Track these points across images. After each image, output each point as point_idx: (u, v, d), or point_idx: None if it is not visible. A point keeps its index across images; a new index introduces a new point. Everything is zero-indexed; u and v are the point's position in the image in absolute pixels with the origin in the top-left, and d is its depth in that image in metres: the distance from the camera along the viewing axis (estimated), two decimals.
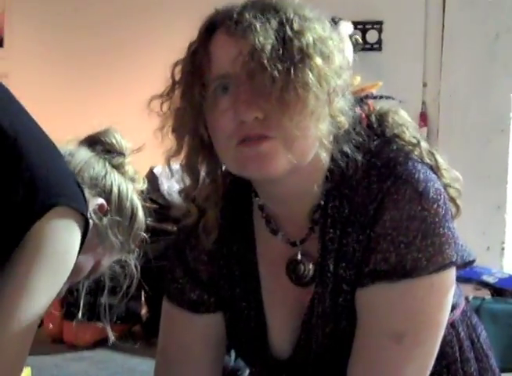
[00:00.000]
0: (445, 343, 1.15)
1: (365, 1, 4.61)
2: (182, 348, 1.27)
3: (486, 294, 3.36)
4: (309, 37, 1.03)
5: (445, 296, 1.09)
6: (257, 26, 1.02)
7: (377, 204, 1.06)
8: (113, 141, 1.47)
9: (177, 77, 1.12)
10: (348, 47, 4.22)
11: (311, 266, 1.15)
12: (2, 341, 1.10)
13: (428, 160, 1.14)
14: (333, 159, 1.10)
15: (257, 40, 1.01)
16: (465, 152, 4.40)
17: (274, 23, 1.03)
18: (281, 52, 1.01)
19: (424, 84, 4.60)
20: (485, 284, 3.45)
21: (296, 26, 1.04)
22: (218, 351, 1.27)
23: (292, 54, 1.02)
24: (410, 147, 1.13)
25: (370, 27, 4.57)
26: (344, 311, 1.11)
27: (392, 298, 1.07)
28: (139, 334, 3.68)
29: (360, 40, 4.40)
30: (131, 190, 1.44)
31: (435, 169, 1.14)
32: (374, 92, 1.15)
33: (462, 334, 1.23)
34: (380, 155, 1.10)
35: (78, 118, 5.23)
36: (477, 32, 4.41)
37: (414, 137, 1.16)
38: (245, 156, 1.05)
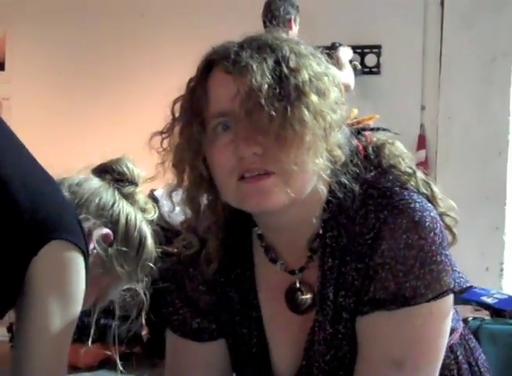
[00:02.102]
0: (443, 367, 1.16)
1: (364, 26, 4.65)
2: (186, 374, 1.29)
3: (485, 315, 3.35)
4: (305, 75, 1.06)
5: (444, 322, 1.11)
6: (254, 66, 1.04)
7: (375, 233, 1.09)
8: (125, 170, 1.46)
9: (177, 114, 1.14)
10: (349, 72, 4.26)
11: (309, 295, 1.17)
12: None
13: (424, 190, 1.16)
14: (331, 190, 1.13)
15: (254, 80, 1.03)
16: (463, 174, 4.43)
17: (270, 62, 1.05)
18: (278, 90, 1.04)
19: (423, 107, 4.64)
20: (484, 305, 3.45)
21: (292, 64, 1.06)
22: None
23: (288, 92, 1.04)
24: (406, 177, 1.16)
25: (369, 51, 4.62)
26: (345, 338, 1.13)
27: (392, 326, 1.09)
28: (141, 356, 3.67)
29: (359, 66, 4.45)
30: (140, 220, 1.42)
31: (431, 198, 1.16)
32: (371, 123, 1.17)
33: (460, 357, 1.24)
34: (377, 185, 1.13)
35: (78, 142, 5.27)
36: (475, 56, 4.45)
37: (410, 167, 1.18)
38: (245, 192, 1.08)
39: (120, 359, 1.59)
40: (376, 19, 4.63)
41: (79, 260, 1.16)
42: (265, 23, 4.14)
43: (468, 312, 3.26)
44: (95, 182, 1.42)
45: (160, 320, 1.41)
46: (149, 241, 1.43)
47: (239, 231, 1.23)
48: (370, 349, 1.10)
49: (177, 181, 1.15)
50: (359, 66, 4.45)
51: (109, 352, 1.60)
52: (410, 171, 1.17)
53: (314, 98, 1.05)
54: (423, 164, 4.37)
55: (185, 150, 1.12)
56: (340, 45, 4.43)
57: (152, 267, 1.44)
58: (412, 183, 1.15)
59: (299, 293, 1.17)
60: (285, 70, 1.05)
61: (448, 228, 1.16)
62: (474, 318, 3.23)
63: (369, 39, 4.62)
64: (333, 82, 1.10)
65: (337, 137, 1.10)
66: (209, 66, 1.11)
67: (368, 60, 4.56)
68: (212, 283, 1.24)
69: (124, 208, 1.41)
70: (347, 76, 4.19)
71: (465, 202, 4.36)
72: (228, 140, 1.08)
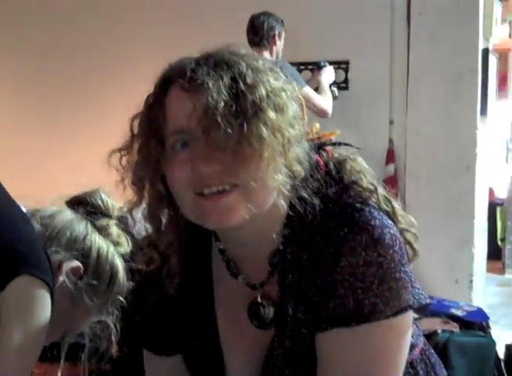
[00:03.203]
0: None
1: (332, 42, 4.69)
2: None
3: (454, 327, 3.38)
4: (262, 91, 1.06)
5: (403, 338, 1.12)
6: (210, 83, 1.04)
7: (335, 249, 1.09)
8: (99, 202, 1.46)
9: (135, 131, 1.14)
10: (328, 97, 4.29)
11: (271, 309, 1.17)
12: None
13: (385, 206, 1.17)
14: (291, 205, 1.13)
15: (210, 98, 1.03)
16: (432, 187, 4.47)
17: (226, 79, 1.05)
18: (234, 107, 1.04)
19: (391, 122, 4.67)
20: (454, 318, 3.48)
21: (249, 80, 1.06)
22: None
23: (245, 109, 1.04)
24: (367, 194, 1.16)
25: (337, 66, 4.64)
26: (304, 354, 1.13)
27: (351, 342, 1.09)
28: (109, 372, 3.63)
29: (336, 93, 4.48)
30: (112, 253, 1.42)
31: (392, 215, 1.17)
32: (333, 139, 1.18)
33: (420, 372, 1.25)
34: (338, 202, 1.13)
35: (49, 162, 5.23)
36: (442, 71, 4.50)
37: (371, 184, 1.18)
38: (204, 209, 1.08)
39: None
40: (344, 35, 4.67)
41: (45, 296, 1.18)
42: (249, 38, 4.17)
43: (438, 324, 3.28)
44: (68, 215, 1.42)
45: (130, 338, 1.40)
46: (121, 275, 1.42)
47: (200, 246, 1.23)
48: (330, 365, 1.10)
49: (137, 198, 1.14)
50: (337, 94, 4.49)
51: (78, 374, 1.59)
52: (371, 187, 1.17)
53: (271, 114, 1.05)
54: (392, 179, 4.40)
55: (143, 167, 1.12)
56: (325, 65, 4.47)
57: (122, 301, 1.43)
58: (374, 199, 1.16)
59: (261, 307, 1.17)
60: (242, 86, 1.05)
61: (409, 243, 1.17)
62: (444, 330, 3.25)
63: (337, 55, 4.65)
64: (291, 97, 1.11)
65: (296, 152, 1.10)
66: (166, 83, 1.11)
67: (336, 76, 4.59)
68: (171, 299, 1.24)
69: (96, 242, 1.40)
70: (325, 102, 4.21)
71: (434, 215, 4.42)
72: (186, 157, 1.08)
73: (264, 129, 1.04)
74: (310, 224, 1.12)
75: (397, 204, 1.19)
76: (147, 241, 1.21)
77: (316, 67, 4.53)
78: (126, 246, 1.44)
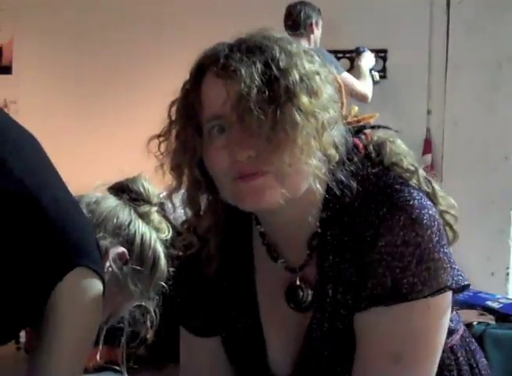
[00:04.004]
0: (443, 367, 1.17)
1: (370, 30, 4.66)
2: (194, 368, 1.33)
3: (490, 320, 3.35)
4: (295, 75, 1.06)
5: (441, 319, 1.12)
6: (243, 70, 1.04)
7: (374, 230, 1.09)
8: (141, 189, 1.48)
9: (173, 117, 1.15)
10: (368, 82, 4.27)
11: (309, 292, 1.18)
12: None
13: (426, 187, 1.17)
14: (328, 188, 1.13)
15: (242, 84, 1.03)
16: (469, 178, 4.43)
17: (259, 64, 1.05)
18: (267, 93, 1.04)
19: (429, 112, 4.64)
20: (490, 310, 3.44)
21: (282, 64, 1.06)
22: (227, 371, 1.31)
23: (278, 94, 1.04)
24: (408, 175, 1.16)
25: (375, 55, 4.61)
26: (342, 334, 1.14)
27: (389, 321, 1.10)
28: (145, 357, 3.68)
29: (377, 77, 4.45)
30: (155, 239, 1.45)
31: (432, 196, 1.16)
32: (372, 121, 1.16)
33: (460, 358, 1.25)
34: (378, 183, 1.13)
35: (85, 145, 5.29)
36: (480, 60, 4.46)
37: (412, 165, 1.18)
38: (241, 190, 1.09)
39: (126, 365, 1.61)
40: (383, 24, 4.64)
41: (100, 288, 1.22)
42: (286, 27, 4.17)
43: (473, 316, 3.25)
44: (112, 201, 1.45)
45: (166, 323, 1.42)
46: (162, 261, 1.45)
47: (240, 230, 1.24)
48: (368, 345, 1.11)
49: (176, 183, 1.16)
50: (377, 78, 4.46)
51: (115, 357, 1.62)
52: (412, 168, 1.17)
53: (305, 99, 1.05)
54: (429, 169, 4.37)
55: (181, 153, 1.13)
56: (364, 50, 4.45)
57: (164, 286, 1.46)
58: (414, 180, 1.16)
59: (300, 291, 1.18)
60: (275, 71, 1.05)
61: (449, 225, 1.17)
62: (479, 323, 3.22)
63: (375, 43, 4.62)
64: (325, 80, 1.11)
65: (332, 136, 1.11)
66: (201, 70, 1.12)
67: (374, 65, 4.56)
68: (212, 282, 1.25)
69: (139, 228, 1.43)
70: (364, 86, 4.19)
71: (471, 206, 4.38)
72: (223, 143, 1.09)
73: (297, 115, 1.04)
74: (349, 206, 1.13)
75: (437, 186, 1.19)
76: (186, 226, 1.22)
77: (356, 52, 4.51)
78: (166, 232, 1.47)
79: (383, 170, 1.16)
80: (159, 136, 1.15)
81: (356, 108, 1.13)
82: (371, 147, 1.19)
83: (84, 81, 5.47)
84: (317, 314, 1.16)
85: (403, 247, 1.07)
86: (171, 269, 1.44)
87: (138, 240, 1.41)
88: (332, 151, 1.10)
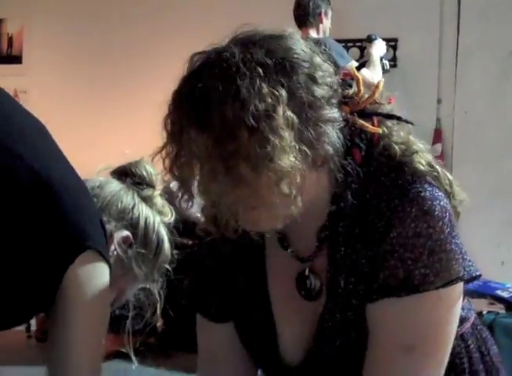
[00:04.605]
0: (454, 355, 1.17)
1: (381, 19, 4.64)
2: (210, 352, 1.33)
3: (500, 309, 3.35)
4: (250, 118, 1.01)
5: (453, 309, 1.12)
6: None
7: (385, 221, 1.09)
8: (144, 173, 1.49)
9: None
10: (378, 71, 4.25)
11: (317, 281, 1.19)
12: None
13: (442, 180, 1.16)
14: (337, 182, 1.13)
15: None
16: (480, 167, 4.42)
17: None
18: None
19: (439, 101, 4.62)
20: (499, 299, 3.45)
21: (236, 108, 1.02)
22: (244, 355, 1.31)
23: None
24: (422, 168, 1.16)
25: (386, 44, 4.60)
26: (354, 324, 1.14)
27: (401, 312, 1.10)
28: (155, 346, 3.70)
29: (388, 65, 4.43)
30: (158, 223, 1.46)
31: (448, 188, 1.16)
32: (388, 108, 1.13)
33: (471, 346, 1.25)
34: (390, 175, 1.13)
35: (95, 134, 5.31)
36: (492, 49, 4.43)
37: (426, 157, 1.17)
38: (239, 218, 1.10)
39: (135, 351, 1.62)
40: (393, 13, 4.62)
41: (107, 270, 1.24)
42: (295, 17, 4.17)
43: (483, 305, 3.26)
44: (116, 185, 1.45)
45: (175, 312, 1.43)
46: (166, 244, 1.46)
47: None
48: (380, 335, 1.12)
49: (189, 173, 1.14)
50: (388, 66, 4.44)
51: (123, 349, 1.63)
52: (425, 160, 1.16)
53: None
54: (439, 158, 4.34)
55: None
56: (376, 38, 4.44)
57: (168, 269, 1.48)
58: (428, 172, 1.15)
59: (308, 280, 1.19)
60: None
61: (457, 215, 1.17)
62: (489, 312, 3.23)
63: (385, 32, 4.61)
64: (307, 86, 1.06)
65: (330, 135, 1.07)
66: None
67: (385, 53, 4.55)
68: (223, 265, 1.26)
69: (143, 211, 1.44)
70: (372, 75, 4.18)
71: (481, 195, 4.37)
72: None
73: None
74: (360, 197, 1.12)
75: (451, 177, 1.18)
76: (204, 213, 1.21)
77: (367, 40, 4.50)
78: (170, 216, 1.48)
79: (394, 161, 1.15)
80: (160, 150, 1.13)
81: (382, 82, 1.09)
82: (384, 140, 1.18)
83: (94, 70, 5.48)
84: (329, 304, 1.16)
85: (415, 238, 1.07)
86: (178, 256, 1.46)
87: (142, 223, 1.42)
88: (329, 148, 1.07)
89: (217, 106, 1.01)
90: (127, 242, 1.40)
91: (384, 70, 4.35)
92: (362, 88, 1.16)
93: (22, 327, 4.10)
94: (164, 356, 3.54)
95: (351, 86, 1.17)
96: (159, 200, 1.48)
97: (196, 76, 1.05)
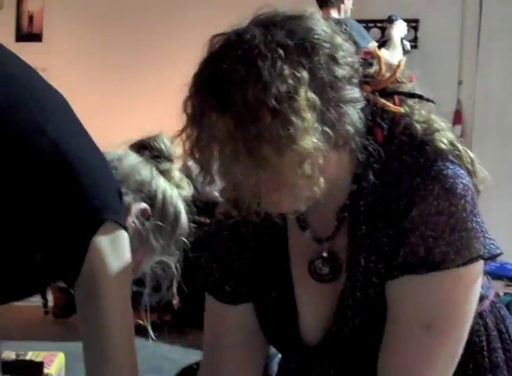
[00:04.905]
0: (472, 332, 1.17)
1: (402, 0, 4.61)
2: (221, 336, 1.32)
3: None
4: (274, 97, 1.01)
5: (472, 287, 1.12)
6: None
7: (407, 199, 1.09)
8: (162, 147, 1.49)
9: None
10: (398, 52, 4.23)
11: (326, 267, 1.19)
12: (115, 353, 1.25)
13: (464, 157, 1.15)
14: (358, 161, 1.12)
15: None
16: (499, 149, 4.39)
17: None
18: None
19: (460, 83, 4.59)
20: None
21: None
22: (257, 337, 1.31)
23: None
24: (444, 147, 1.15)
25: (407, 24, 4.56)
26: (374, 302, 1.15)
27: (420, 290, 1.10)
28: (171, 323, 3.73)
29: (408, 46, 4.40)
30: (176, 196, 1.47)
31: (471, 165, 1.15)
32: (409, 86, 1.12)
33: (490, 324, 1.25)
34: (411, 153, 1.12)
35: (115, 112, 5.32)
36: None
37: (448, 135, 1.17)
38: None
39: (151, 328, 1.63)
40: None
41: (127, 237, 1.25)
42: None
43: (499, 287, 3.26)
44: (134, 158, 1.46)
45: (191, 289, 1.43)
46: (184, 217, 1.47)
47: None
48: (399, 312, 1.12)
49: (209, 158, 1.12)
50: (408, 47, 4.41)
51: (140, 321, 1.64)
52: (447, 139, 1.16)
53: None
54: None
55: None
56: (397, 19, 4.41)
57: (185, 242, 1.49)
58: (450, 151, 1.14)
59: (320, 264, 1.19)
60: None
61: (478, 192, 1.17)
62: (506, 293, 3.23)
63: (407, 13, 4.57)
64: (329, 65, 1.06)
65: (350, 115, 1.07)
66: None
67: (406, 34, 4.51)
68: (244, 246, 1.26)
69: (161, 184, 1.45)
70: (394, 56, 4.15)
71: (500, 178, 4.30)
72: None
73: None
74: (381, 177, 1.12)
75: (473, 155, 1.18)
76: (225, 196, 1.21)
77: (388, 21, 4.47)
78: (188, 189, 1.50)
79: (417, 141, 1.15)
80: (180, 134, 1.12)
81: (404, 60, 1.08)
82: (406, 119, 1.17)
83: (115, 48, 5.49)
84: (348, 283, 1.16)
85: (436, 216, 1.07)
86: (195, 234, 1.46)
87: (159, 196, 1.43)
88: (350, 129, 1.07)
89: (238, 88, 1.00)
90: (145, 214, 1.41)
91: (405, 51, 4.32)
92: (383, 66, 1.15)
93: (39, 303, 4.14)
94: (180, 332, 3.57)
95: (371, 65, 1.16)
96: (177, 174, 1.49)
97: (216, 58, 1.05)
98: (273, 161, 1.01)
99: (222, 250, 1.29)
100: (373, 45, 4.05)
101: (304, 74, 1.01)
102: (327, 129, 1.04)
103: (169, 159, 1.49)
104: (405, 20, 4.51)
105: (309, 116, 1.01)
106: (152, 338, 1.63)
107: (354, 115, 1.08)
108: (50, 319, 4.11)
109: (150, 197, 1.43)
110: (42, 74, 1.28)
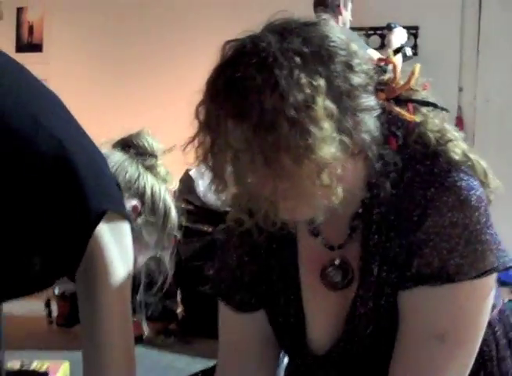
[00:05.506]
0: (482, 342, 1.16)
1: (402, 7, 4.62)
2: (233, 342, 1.32)
3: None
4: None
5: (486, 299, 1.12)
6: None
7: (421, 210, 1.09)
8: (145, 143, 1.52)
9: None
10: (397, 58, 4.24)
11: (339, 274, 1.19)
12: (113, 335, 1.25)
13: (476, 169, 1.14)
14: (372, 170, 1.12)
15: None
16: (501, 156, 4.38)
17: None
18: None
19: (460, 89, 4.59)
20: None
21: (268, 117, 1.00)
22: (266, 345, 1.30)
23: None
24: (457, 157, 1.14)
25: (406, 32, 4.57)
26: (386, 312, 1.14)
27: (434, 301, 1.10)
28: (175, 332, 3.72)
29: (409, 52, 4.41)
30: (164, 191, 1.50)
31: (484, 176, 1.15)
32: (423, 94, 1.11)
33: (499, 332, 1.25)
34: (425, 162, 1.12)
35: (115, 123, 5.31)
36: None
37: (461, 146, 1.16)
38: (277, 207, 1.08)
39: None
40: (414, 0, 4.59)
41: (129, 228, 1.27)
42: (315, 10, 4.17)
43: (504, 294, 3.25)
44: (120, 156, 1.49)
45: (196, 298, 1.43)
46: (173, 210, 1.50)
47: None
48: (412, 323, 1.12)
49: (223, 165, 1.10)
50: (409, 53, 4.42)
51: (135, 320, 1.65)
52: (461, 150, 1.15)
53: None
54: None
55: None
56: (396, 26, 4.43)
57: (176, 235, 1.52)
58: (463, 161, 1.13)
59: (333, 271, 1.19)
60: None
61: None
62: (510, 300, 3.21)
63: (406, 20, 4.58)
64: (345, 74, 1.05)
65: (366, 123, 1.07)
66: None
67: (406, 41, 4.53)
68: (255, 253, 1.26)
69: (148, 180, 1.48)
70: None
71: (502, 184, 4.30)
72: None
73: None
74: (395, 185, 1.12)
75: (486, 165, 1.17)
76: (235, 203, 1.20)
77: (387, 29, 4.49)
78: (174, 183, 1.53)
79: (430, 149, 1.13)
80: (192, 140, 1.10)
81: (418, 67, 1.07)
82: (420, 128, 1.16)
83: (114, 58, 5.49)
84: (360, 292, 1.16)
85: (451, 228, 1.07)
86: (198, 242, 1.48)
87: (148, 192, 1.46)
88: (366, 137, 1.07)
89: (255, 96, 0.99)
90: (136, 211, 1.44)
91: (407, 57, 4.33)
92: (398, 74, 1.15)
93: (43, 313, 4.13)
94: (184, 341, 3.56)
95: (385, 72, 1.16)
96: (162, 169, 1.52)
97: (232, 65, 1.03)
98: (291, 171, 1.01)
99: (232, 257, 1.28)
100: (369, 52, 4.08)
101: (322, 83, 1.00)
102: (344, 138, 1.03)
103: (153, 155, 1.52)
104: (404, 27, 4.52)
105: (327, 125, 1.00)
106: (146, 331, 1.65)
107: (370, 123, 1.07)
108: (54, 328, 4.10)
109: (139, 194, 1.45)
110: None
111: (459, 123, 4.52)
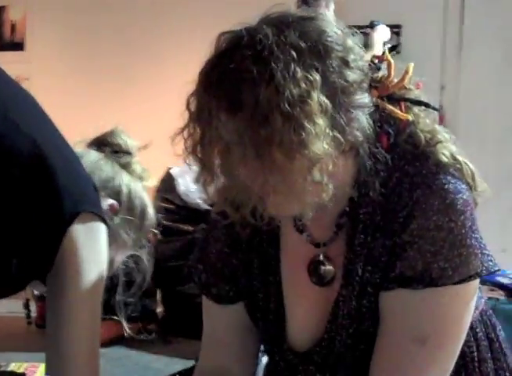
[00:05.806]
0: (463, 343, 1.16)
1: (384, 5, 4.63)
2: (213, 333, 1.32)
3: (500, 295, 3.35)
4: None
5: (468, 303, 1.12)
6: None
7: (407, 212, 1.08)
8: (120, 141, 1.51)
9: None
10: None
11: (331, 268, 1.17)
12: (79, 335, 1.23)
13: (464, 172, 1.13)
14: (361, 168, 1.11)
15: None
16: (483, 154, 4.38)
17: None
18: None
19: (442, 88, 4.60)
20: (500, 285, 3.44)
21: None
22: (246, 337, 1.30)
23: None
24: (445, 159, 1.13)
25: (389, 30, 4.58)
26: (368, 312, 1.13)
27: (416, 304, 1.09)
28: (154, 332, 3.71)
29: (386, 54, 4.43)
30: (140, 188, 1.49)
31: (472, 179, 1.14)
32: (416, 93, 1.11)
33: (480, 334, 1.24)
34: (414, 164, 1.11)
35: (98, 121, 5.28)
36: (497, 34, 4.41)
37: (450, 148, 1.15)
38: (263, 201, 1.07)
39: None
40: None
41: (104, 229, 1.26)
42: (297, 7, 4.17)
43: (483, 292, 3.26)
44: (95, 156, 1.47)
45: (176, 298, 1.42)
46: (150, 208, 1.50)
47: None
48: (393, 325, 1.11)
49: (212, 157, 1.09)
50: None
51: (115, 321, 1.64)
52: (450, 152, 1.14)
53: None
54: None
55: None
56: (379, 24, 4.44)
57: (155, 233, 1.53)
58: (451, 164, 1.12)
59: (321, 266, 1.18)
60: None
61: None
62: (489, 298, 3.22)
63: (389, 19, 4.59)
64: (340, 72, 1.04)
65: (359, 120, 1.06)
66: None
67: (389, 39, 4.54)
68: (236, 246, 1.25)
69: (124, 179, 1.47)
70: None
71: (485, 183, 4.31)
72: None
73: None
74: (383, 185, 1.10)
75: (474, 168, 1.16)
76: (220, 196, 1.17)
77: (370, 26, 4.50)
78: (149, 180, 1.52)
79: (419, 151, 1.12)
80: (181, 131, 1.09)
81: (411, 66, 1.06)
82: (411, 128, 1.15)
83: (97, 57, 5.47)
84: (344, 291, 1.15)
85: (436, 231, 1.06)
86: (179, 242, 1.47)
87: (124, 190, 1.45)
88: (358, 135, 1.06)
89: (250, 89, 0.98)
90: (113, 210, 1.42)
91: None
92: (393, 72, 1.14)
93: (22, 314, 4.10)
94: (164, 341, 3.55)
95: (379, 69, 1.15)
96: (138, 167, 1.51)
97: (226, 57, 1.02)
98: (282, 165, 0.99)
99: (213, 250, 1.28)
100: None
101: (317, 78, 1.00)
102: (337, 135, 1.02)
103: (128, 152, 1.51)
104: (387, 26, 4.52)
105: (321, 121, 0.99)
106: (126, 330, 1.64)
107: (363, 120, 1.07)
108: (33, 329, 4.07)
109: (115, 193, 1.44)
110: (25, 84, 1.29)
111: (441, 121, 4.53)
